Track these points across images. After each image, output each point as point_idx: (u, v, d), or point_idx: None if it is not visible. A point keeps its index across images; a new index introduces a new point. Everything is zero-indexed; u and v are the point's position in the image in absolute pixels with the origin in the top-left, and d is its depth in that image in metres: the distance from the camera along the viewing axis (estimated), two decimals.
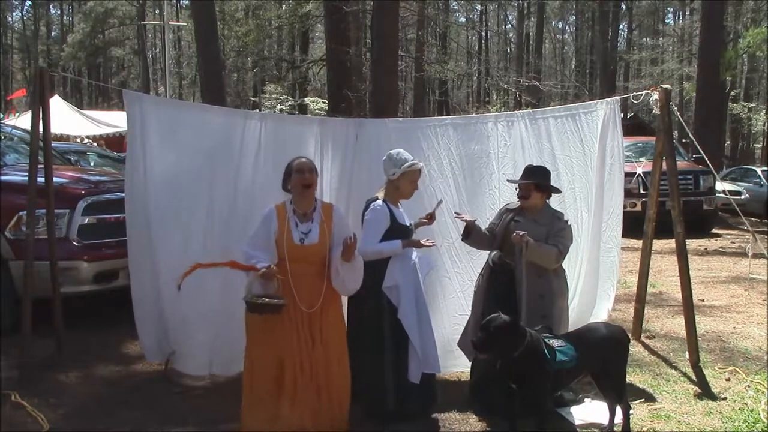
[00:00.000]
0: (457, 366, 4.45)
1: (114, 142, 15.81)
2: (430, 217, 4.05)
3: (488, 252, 4.14)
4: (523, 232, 3.80)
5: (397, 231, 3.84)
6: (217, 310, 4.17)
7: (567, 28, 46.09)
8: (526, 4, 37.86)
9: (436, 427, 3.77)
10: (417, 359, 3.77)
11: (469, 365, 4.20)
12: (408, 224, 3.93)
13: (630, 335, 4.33)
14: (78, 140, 15.49)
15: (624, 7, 34.21)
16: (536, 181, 4.01)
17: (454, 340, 4.31)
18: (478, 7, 38.31)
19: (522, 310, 3.73)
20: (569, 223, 4.10)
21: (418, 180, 3.95)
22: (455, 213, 4.19)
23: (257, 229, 3.48)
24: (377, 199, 3.89)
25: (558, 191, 4.21)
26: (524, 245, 3.78)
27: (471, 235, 4.10)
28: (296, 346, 3.37)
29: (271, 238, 3.41)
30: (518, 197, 4.10)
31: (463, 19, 37.94)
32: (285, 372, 3.34)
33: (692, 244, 9.59)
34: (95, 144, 15.70)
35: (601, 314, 4.82)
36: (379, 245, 3.76)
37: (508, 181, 4.46)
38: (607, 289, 4.90)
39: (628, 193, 11.22)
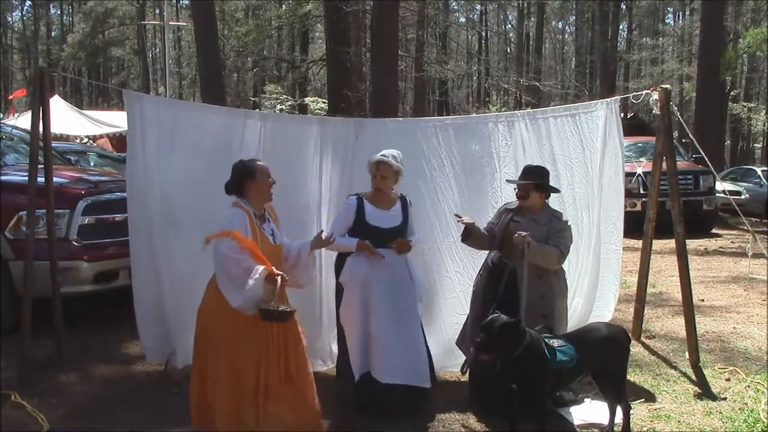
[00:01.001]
0: (458, 366, 4.44)
1: (119, 142, 15.81)
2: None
3: (487, 251, 4.15)
4: (524, 233, 3.80)
5: (363, 230, 3.85)
6: None
7: (567, 28, 46.12)
8: (526, 4, 37.83)
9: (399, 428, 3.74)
10: (354, 356, 3.78)
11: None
12: (386, 227, 3.88)
13: (630, 335, 4.33)
14: (78, 140, 15.49)
15: (624, 7, 34.18)
16: (535, 181, 4.00)
17: (455, 339, 4.31)
18: (478, 7, 38.34)
19: (522, 310, 3.73)
20: (569, 223, 4.10)
21: (379, 173, 3.89)
22: (455, 215, 4.18)
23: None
24: (357, 194, 3.97)
25: (557, 191, 4.21)
26: (525, 246, 3.78)
27: (470, 236, 4.09)
28: (274, 350, 3.30)
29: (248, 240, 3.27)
30: (517, 197, 4.09)
31: (463, 19, 37.97)
32: (266, 376, 3.25)
33: (692, 244, 9.58)
34: (94, 143, 15.70)
35: (605, 315, 4.82)
36: (337, 239, 3.81)
37: (507, 181, 4.46)
38: (612, 289, 4.91)
39: (628, 193, 11.19)
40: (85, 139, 15.94)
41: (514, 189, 4.15)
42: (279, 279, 3.15)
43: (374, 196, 3.94)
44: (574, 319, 4.42)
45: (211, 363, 3.30)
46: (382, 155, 3.89)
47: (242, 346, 3.25)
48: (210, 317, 3.34)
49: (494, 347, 3.32)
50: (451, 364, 4.44)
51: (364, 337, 3.82)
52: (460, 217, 4.08)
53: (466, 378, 4.29)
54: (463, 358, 4.25)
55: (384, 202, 3.95)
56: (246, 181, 3.39)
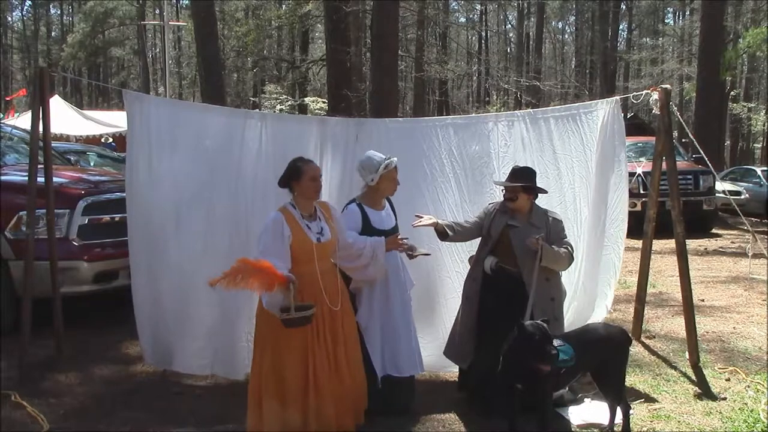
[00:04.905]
0: (457, 367, 4.45)
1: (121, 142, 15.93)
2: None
3: (475, 246, 4.14)
4: (537, 236, 3.79)
5: (371, 235, 3.80)
6: (218, 312, 4.17)
7: (567, 28, 46.11)
8: (526, 4, 37.83)
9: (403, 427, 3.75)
10: (378, 359, 3.77)
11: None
12: (388, 228, 3.86)
13: (631, 336, 4.32)
14: (103, 139, 15.58)
15: (624, 7, 34.19)
16: (523, 183, 3.96)
17: None
18: (478, 7, 38.33)
19: (528, 314, 3.68)
20: (561, 221, 4.09)
21: (397, 174, 3.87)
22: (416, 216, 4.07)
23: (269, 238, 3.32)
24: (354, 201, 3.89)
25: (544, 192, 4.16)
26: (540, 249, 3.76)
27: (447, 236, 4.07)
28: (322, 345, 3.38)
29: (286, 243, 3.32)
30: (504, 199, 4.04)
31: (463, 19, 38.02)
32: (314, 371, 3.32)
33: (692, 244, 9.58)
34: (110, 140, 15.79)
35: (600, 314, 4.82)
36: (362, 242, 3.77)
37: (495, 183, 4.43)
38: (606, 288, 4.90)
39: (629, 193, 11.29)
40: (110, 139, 16.00)
41: (501, 191, 4.13)
42: (291, 286, 3.20)
43: (369, 200, 3.88)
44: (570, 319, 4.41)
45: (259, 364, 3.36)
46: (394, 160, 3.82)
47: (284, 345, 3.32)
48: (258, 319, 3.44)
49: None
50: (451, 364, 4.44)
51: (383, 339, 3.82)
52: (420, 218, 4.03)
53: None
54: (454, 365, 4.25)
55: (378, 205, 3.91)
56: (291, 181, 3.47)
